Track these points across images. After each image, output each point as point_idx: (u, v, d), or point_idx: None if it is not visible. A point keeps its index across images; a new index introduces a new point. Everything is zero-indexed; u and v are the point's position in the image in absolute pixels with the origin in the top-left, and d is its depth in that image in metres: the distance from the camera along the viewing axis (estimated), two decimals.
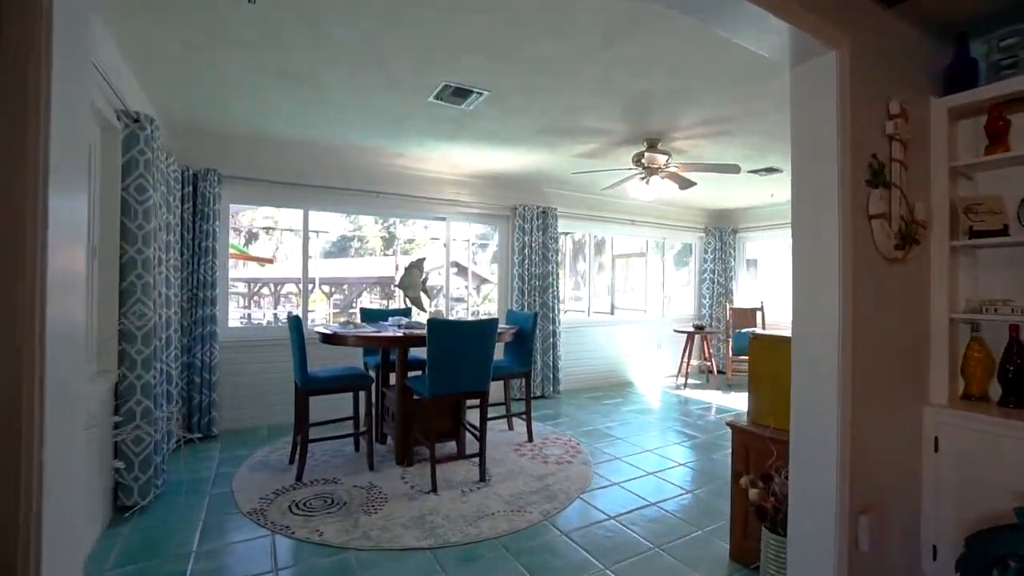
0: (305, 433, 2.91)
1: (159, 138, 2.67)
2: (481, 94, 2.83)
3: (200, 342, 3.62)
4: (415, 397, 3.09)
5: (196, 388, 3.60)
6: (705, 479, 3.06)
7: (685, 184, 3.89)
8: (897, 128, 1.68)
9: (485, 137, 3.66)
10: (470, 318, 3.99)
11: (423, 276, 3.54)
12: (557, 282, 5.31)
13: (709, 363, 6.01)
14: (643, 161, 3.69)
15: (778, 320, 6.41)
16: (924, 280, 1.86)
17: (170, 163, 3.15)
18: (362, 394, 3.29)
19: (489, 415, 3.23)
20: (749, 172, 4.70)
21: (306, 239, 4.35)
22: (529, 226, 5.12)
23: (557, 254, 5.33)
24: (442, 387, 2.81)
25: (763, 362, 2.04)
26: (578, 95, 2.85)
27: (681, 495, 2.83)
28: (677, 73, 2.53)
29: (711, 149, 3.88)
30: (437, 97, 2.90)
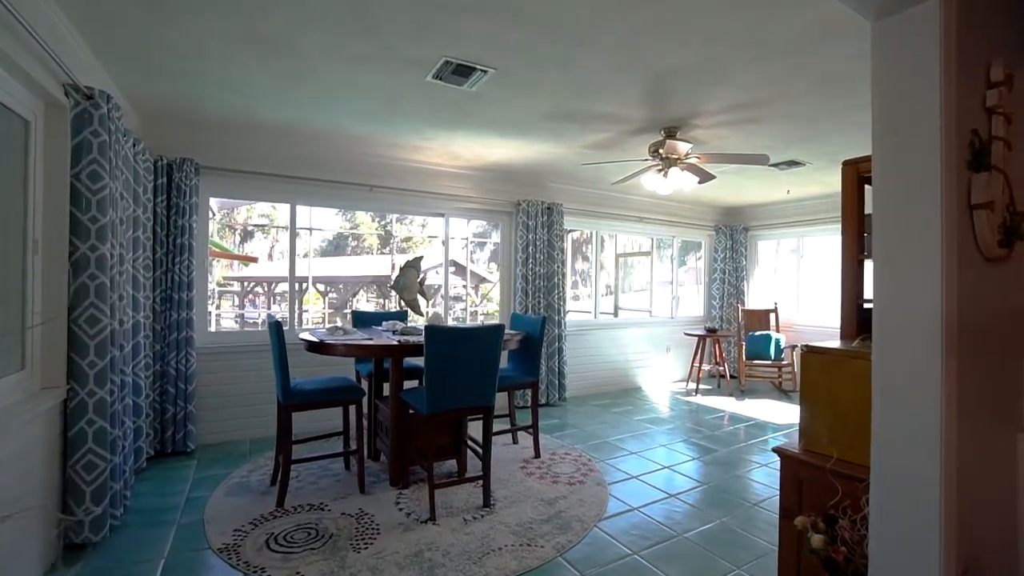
0: (287, 453, 2.59)
1: (119, 119, 2.34)
2: (485, 72, 2.51)
3: (175, 349, 3.29)
4: (411, 411, 2.77)
5: (170, 400, 3.27)
6: (731, 503, 2.76)
7: (705, 177, 3.59)
8: (1001, 98, 1.37)
9: (488, 124, 3.34)
10: (472, 323, 3.67)
11: (420, 276, 3.22)
12: (563, 283, 5.00)
13: (722, 368, 5.71)
14: (661, 151, 3.38)
15: (791, 320, 6.13)
16: None
17: (138, 150, 2.82)
18: (353, 407, 2.96)
19: (493, 429, 2.91)
20: (769, 166, 4.40)
21: (293, 236, 4.03)
22: (533, 223, 4.80)
23: (563, 253, 5.02)
24: (441, 403, 2.49)
25: (820, 380, 1.73)
26: (593, 71, 2.53)
27: (709, 523, 2.52)
28: (711, 41, 2.22)
29: (733, 140, 3.57)
30: (436, 76, 2.58)
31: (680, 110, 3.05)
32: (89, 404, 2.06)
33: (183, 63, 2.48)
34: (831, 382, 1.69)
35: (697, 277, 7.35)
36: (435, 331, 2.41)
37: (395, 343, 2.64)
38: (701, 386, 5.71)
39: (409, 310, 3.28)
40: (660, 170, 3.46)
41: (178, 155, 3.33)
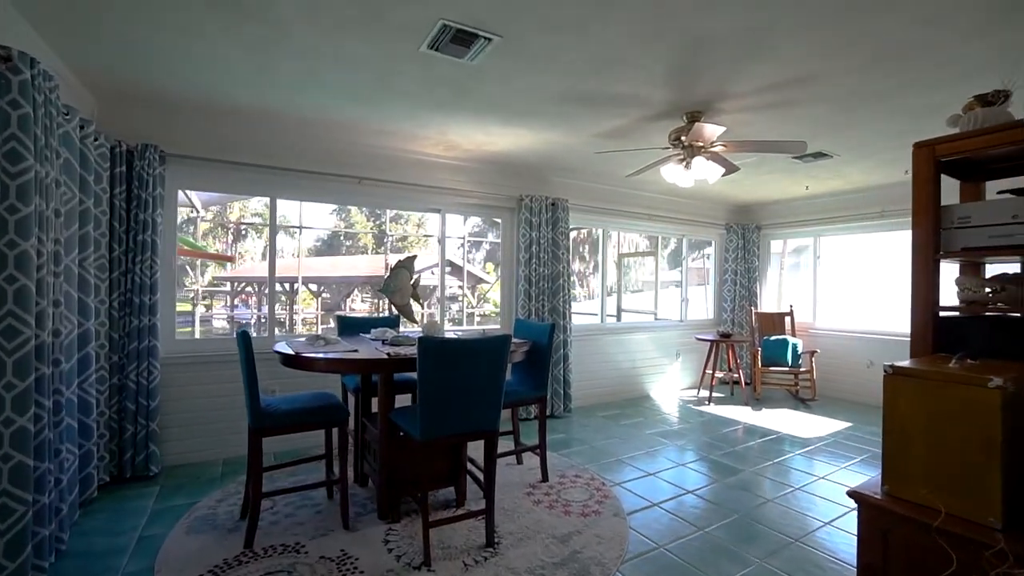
0: (257, 486, 2.22)
1: (53, 91, 1.96)
2: (489, 39, 2.15)
3: (135, 360, 2.90)
4: (402, 434, 2.41)
5: (129, 417, 2.89)
6: (769, 538, 2.41)
7: (730, 168, 3.24)
8: None
9: (491, 107, 2.98)
10: (471, 329, 3.30)
11: (414, 278, 2.86)
12: (568, 284, 4.64)
13: (736, 375, 5.37)
14: (683, 139, 3.03)
15: (807, 324, 5.80)
16: None
17: (88, 132, 2.44)
18: (337, 430, 2.59)
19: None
20: (794, 158, 4.06)
21: (273, 233, 3.65)
22: (537, 220, 4.44)
23: (568, 252, 4.67)
24: (437, 428, 2.13)
25: (915, 410, 1.39)
26: (615, 42, 2.18)
27: (748, 567, 2.17)
28: (757, 3, 1.87)
29: (759, 127, 3.22)
30: (433, 46, 2.21)
31: (707, 91, 2.70)
32: (4, 436, 1.68)
33: (132, 29, 2.10)
34: (933, 414, 1.34)
35: (701, 277, 7.02)
36: (430, 345, 2.04)
37: (384, 356, 2.27)
38: (713, 394, 5.37)
39: (401, 316, 2.90)
40: (682, 160, 3.10)
41: (140, 141, 2.95)
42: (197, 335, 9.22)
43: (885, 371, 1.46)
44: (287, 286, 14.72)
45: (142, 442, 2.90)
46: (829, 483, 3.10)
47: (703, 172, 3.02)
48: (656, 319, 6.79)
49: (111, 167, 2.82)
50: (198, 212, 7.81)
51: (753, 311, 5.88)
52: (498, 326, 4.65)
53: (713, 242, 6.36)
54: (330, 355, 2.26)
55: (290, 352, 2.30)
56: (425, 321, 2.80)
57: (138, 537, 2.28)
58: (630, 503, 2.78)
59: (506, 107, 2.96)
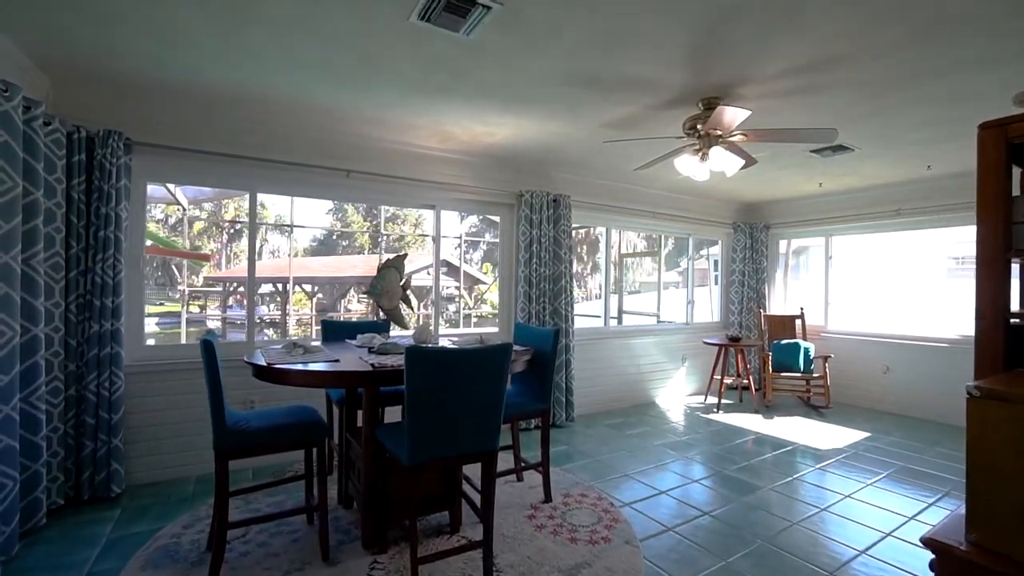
0: (223, 514, 1.95)
1: None
2: (488, 8, 1.88)
3: (96, 368, 2.62)
4: (389, 455, 2.14)
5: (88, 433, 2.61)
6: (802, 571, 2.15)
7: (749, 160, 2.99)
8: None
9: (489, 91, 2.71)
10: (469, 336, 3.04)
11: (404, 279, 2.59)
12: (571, 286, 4.38)
13: (746, 381, 5.13)
14: (699, 127, 2.77)
15: (818, 327, 5.56)
16: None
17: (36, 114, 2.17)
18: (317, 450, 2.31)
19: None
20: (811, 152, 3.82)
21: (253, 231, 3.37)
22: (538, 217, 4.18)
23: (571, 251, 4.41)
24: (428, 450, 1.86)
25: (1010, 441, 1.14)
26: (630, 13, 1.92)
27: None
28: None
29: (781, 117, 2.97)
30: (423, 15, 1.95)
31: (728, 73, 2.44)
32: None
33: None
34: None
35: (701, 278, 6.78)
36: (419, 355, 1.78)
37: (368, 367, 2.00)
38: (722, 401, 5.11)
39: (391, 321, 2.63)
40: (698, 150, 2.85)
41: (101, 127, 2.67)
42: (184, 339, 8.94)
43: (970, 394, 1.21)
44: (280, 286, 14.44)
45: (103, 460, 2.62)
46: (857, 503, 2.85)
47: (721, 164, 2.77)
48: (659, 322, 6.55)
49: (68, 155, 2.54)
50: (184, 209, 7.51)
51: (762, 314, 5.64)
52: (496, 329, 4.39)
53: (720, 242, 6.11)
54: (306, 366, 1.99)
55: (261, 363, 2.03)
56: (418, 326, 2.53)
57: (87, 572, 2.00)
58: (642, 527, 2.52)
59: (506, 91, 2.70)
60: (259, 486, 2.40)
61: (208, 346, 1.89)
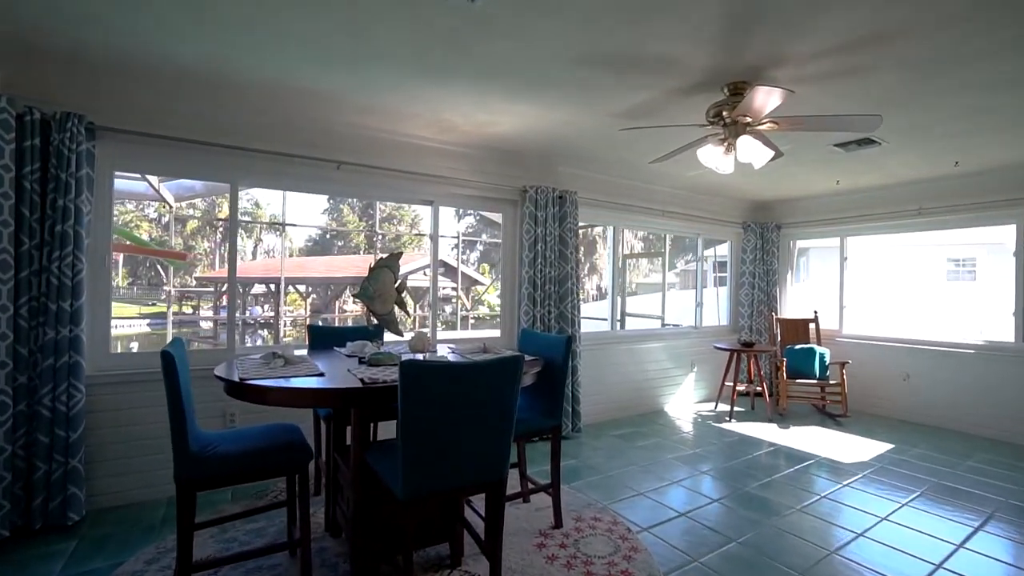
0: (186, 555, 1.67)
1: None
2: None
3: (51, 380, 2.33)
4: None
5: (41, 453, 2.31)
6: None
7: (776, 151, 2.74)
8: None
9: (494, 72, 2.44)
10: (470, 342, 2.77)
11: (398, 281, 2.32)
12: (578, 288, 4.12)
13: (760, 388, 4.88)
14: (725, 114, 2.52)
15: (832, 332, 5.32)
16: None
17: None
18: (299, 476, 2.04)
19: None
20: (835, 146, 3.58)
21: (234, 227, 3.09)
22: (543, 214, 3.92)
23: (577, 251, 4.15)
24: (426, 482, 1.59)
25: None
26: None
27: None
28: None
29: (812, 104, 2.72)
30: None
31: (762, 52, 2.19)
32: None
33: None
34: None
35: (703, 279, 6.52)
36: (417, 371, 1.50)
37: (358, 383, 1.73)
38: (734, 409, 4.86)
39: (384, 327, 2.36)
40: (723, 140, 2.60)
41: (59, 108, 2.38)
42: (169, 341, 8.58)
43: None
44: (272, 287, 14.11)
45: (58, 483, 2.33)
46: (896, 526, 2.60)
47: (749, 154, 2.51)
48: (663, 325, 6.30)
49: (18, 139, 2.25)
50: (170, 206, 7.22)
51: (774, 317, 5.41)
52: (497, 334, 4.12)
53: (729, 242, 5.87)
54: (286, 382, 1.72)
55: (233, 378, 1.75)
56: (413, 333, 2.26)
57: None
58: (664, 558, 2.26)
59: (513, 72, 2.43)
60: (232, 516, 2.11)
61: (168, 360, 1.61)
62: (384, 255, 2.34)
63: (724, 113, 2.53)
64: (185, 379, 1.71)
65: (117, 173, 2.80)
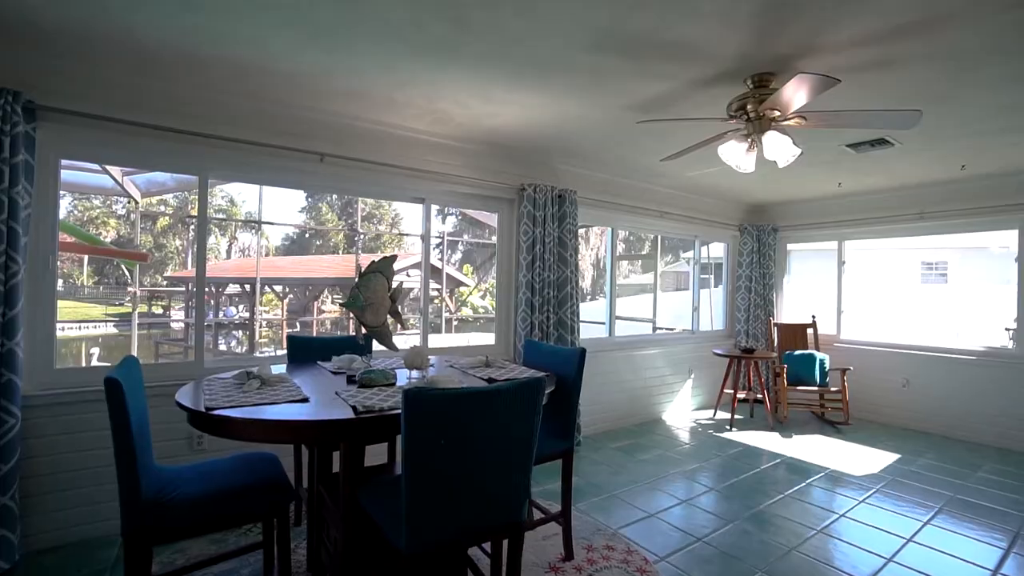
0: None
1: None
2: None
3: None
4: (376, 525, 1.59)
5: None
6: None
7: (800, 149, 2.56)
8: None
9: (498, 56, 2.19)
10: (471, 360, 2.51)
11: (393, 289, 2.04)
12: (577, 293, 3.89)
13: (761, 395, 4.74)
14: (748, 108, 2.32)
15: (830, 337, 5.23)
16: None
17: None
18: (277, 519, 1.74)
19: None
20: (847, 147, 3.44)
21: (203, 224, 2.76)
22: (541, 214, 3.68)
23: (576, 253, 3.92)
24: (434, 531, 1.33)
25: None
26: None
27: None
28: None
29: (843, 98, 2.54)
30: None
31: (796, 39, 1.99)
32: None
33: None
34: None
35: (678, 281, 6.40)
36: (425, 403, 1.24)
37: (349, 412, 1.45)
38: (734, 417, 4.70)
39: (375, 341, 2.07)
40: (747, 136, 2.40)
41: None
42: (135, 348, 8.06)
43: None
44: (248, 287, 13.52)
45: None
46: (923, 548, 2.45)
47: (776, 151, 2.32)
48: (654, 330, 6.14)
49: None
50: (135, 201, 6.70)
51: (772, 322, 5.29)
52: (492, 341, 3.86)
53: (727, 245, 5.74)
54: (260, 412, 1.43)
55: (198, 408, 1.45)
56: (410, 348, 1.98)
57: None
58: None
59: (521, 55, 2.18)
60: (196, 565, 1.81)
61: (114, 389, 1.30)
62: (375, 258, 2.06)
63: (749, 107, 2.33)
64: (138, 409, 1.41)
65: (66, 162, 2.44)
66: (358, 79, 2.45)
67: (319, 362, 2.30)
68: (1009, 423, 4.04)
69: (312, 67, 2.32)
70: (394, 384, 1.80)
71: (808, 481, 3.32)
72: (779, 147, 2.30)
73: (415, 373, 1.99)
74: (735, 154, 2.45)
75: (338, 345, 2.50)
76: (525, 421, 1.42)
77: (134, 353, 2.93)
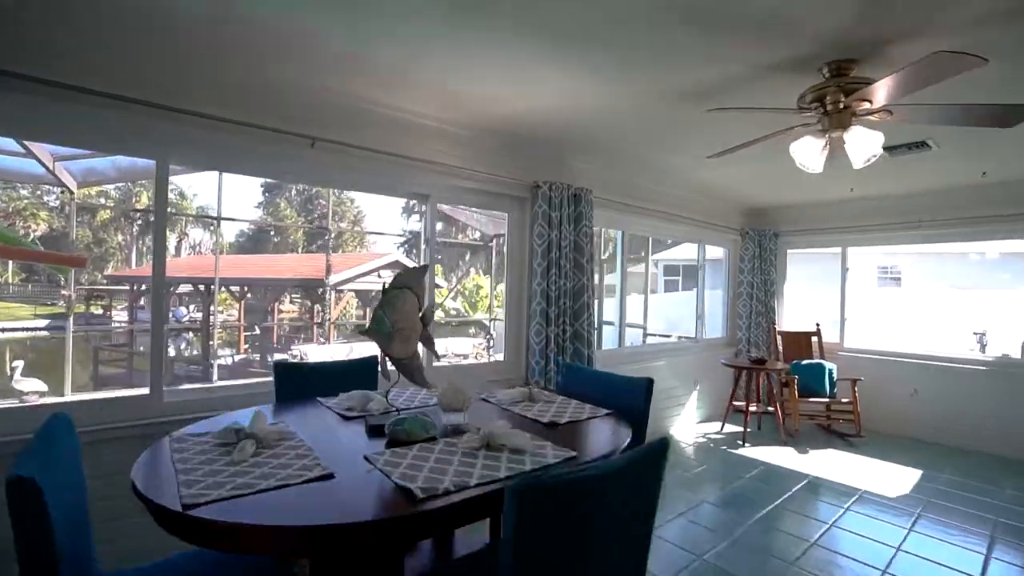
0: None
1: None
2: None
3: None
4: None
5: None
6: None
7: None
8: None
9: (538, 20, 1.78)
10: (511, 394, 2.09)
11: (423, 309, 1.60)
12: (593, 302, 3.54)
13: (772, 407, 4.55)
14: (827, 100, 2.02)
15: (834, 345, 5.12)
16: None
17: None
18: None
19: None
20: (885, 148, 3.23)
21: (161, 218, 2.21)
22: (557, 215, 3.30)
23: (592, 260, 3.56)
24: None
25: None
26: None
27: None
28: None
29: (926, 90, 2.29)
30: None
31: (910, 15, 1.70)
32: None
33: None
34: None
35: (655, 284, 6.20)
36: (542, 498, 0.83)
37: (403, 503, 1.01)
38: (747, 431, 4.48)
39: (400, 373, 1.62)
40: (823, 131, 2.10)
41: None
42: (70, 354, 7.06)
43: None
44: (202, 287, 12.44)
45: None
46: None
47: (861, 149, 2.03)
48: (645, 336, 5.88)
49: None
50: (70, 192, 5.84)
51: (775, 330, 5.13)
52: (465, 340, 3.44)
53: (728, 250, 5.55)
54: (271, 513, 0.97)
55: (174, 508, 0.97)
56: (443, 388, 1.55)
57: None
58: None
59: (566, 23, 1.78)
60: None
61: (27, 497, 0.81)
62: (399, 270, 1.62)
63: (828, 98, 2.03)
64: (70, 499, 0.92)
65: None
66: (356, 44, 1.98)
67: (319, 399, 1.82)
68: (1021, 434, 4.00)
69: (302, 28, 1.83)
70: (436, 438, 1.37)
71: (845, 505, 3.09)
72: (866, 144, 2.02)
73: (452, 416, 1.56)
74: (809, 152, 2.15)
75: (338, 373, 2.02)
76: (649, 492, 1.03)
77: (68, 360, 2.35)
